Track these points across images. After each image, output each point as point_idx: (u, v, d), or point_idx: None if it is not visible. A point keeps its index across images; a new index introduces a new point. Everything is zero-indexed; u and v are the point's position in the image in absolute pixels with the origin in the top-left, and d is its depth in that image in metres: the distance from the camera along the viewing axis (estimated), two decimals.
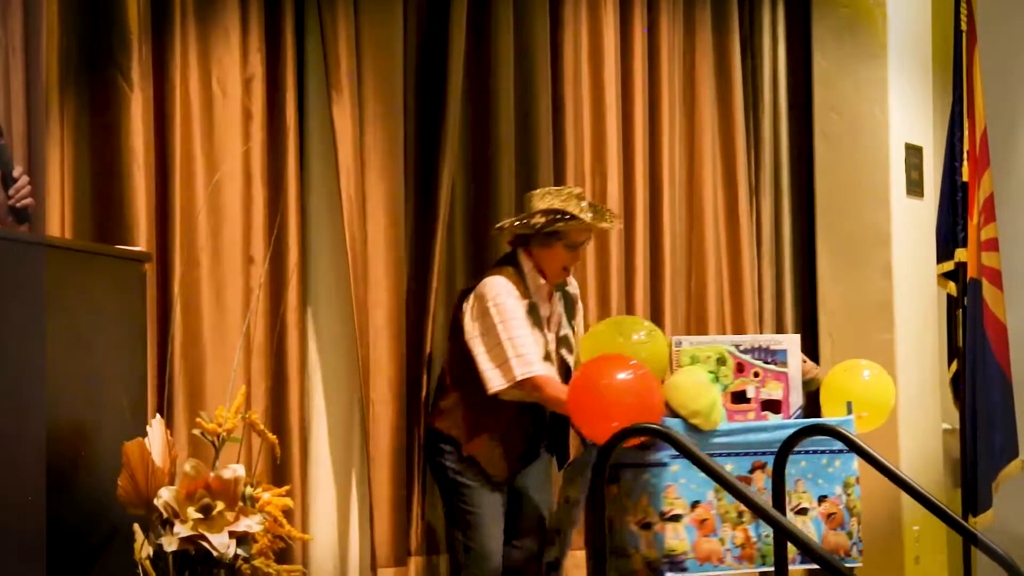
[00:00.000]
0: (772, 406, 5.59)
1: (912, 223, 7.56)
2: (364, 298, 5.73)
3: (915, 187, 7.58)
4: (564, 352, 5.63)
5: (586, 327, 5.85)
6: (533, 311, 5.50)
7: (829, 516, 5.68)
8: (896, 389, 6.94)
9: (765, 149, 7.56)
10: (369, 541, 5.72)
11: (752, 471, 5.52)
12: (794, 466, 5.58)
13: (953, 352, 7.45)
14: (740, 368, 5.57)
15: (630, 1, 6.87)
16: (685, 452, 4.55)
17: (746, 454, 5.51)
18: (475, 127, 6.25)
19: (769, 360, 5.64)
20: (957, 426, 7.45)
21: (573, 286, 5.78)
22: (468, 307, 5.48)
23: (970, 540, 5.20)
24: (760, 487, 5.49)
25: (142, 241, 5.09)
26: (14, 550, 3.88)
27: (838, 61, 7.61)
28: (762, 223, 7.53)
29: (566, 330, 5.67)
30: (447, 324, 5.84)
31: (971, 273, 7.33)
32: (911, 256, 7.53)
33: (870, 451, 5.21)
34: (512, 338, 5.38)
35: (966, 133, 7.40)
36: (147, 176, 5.20)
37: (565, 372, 5.60)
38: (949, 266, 7.40)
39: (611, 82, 6.70)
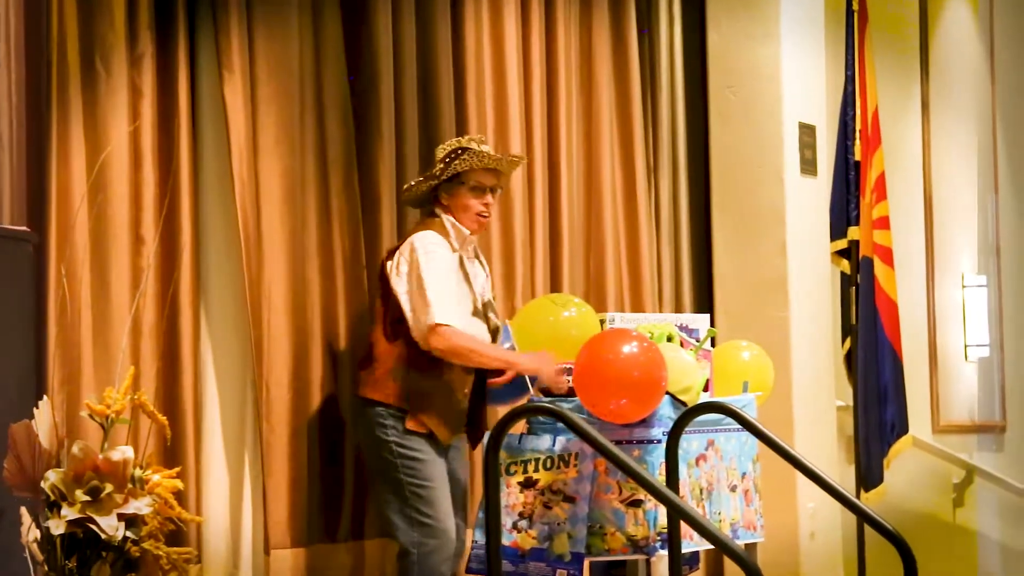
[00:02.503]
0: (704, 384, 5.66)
1: (806, 201, 7.62)
2: (257, 278, 5.68)
3: (808, 166, 7.65)
4: (491, 315, 5.63)
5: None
6: (461, 266, 5.50)
7: (746, 492, 5.77)
8: (790, 366, 7.05)
9: (662, 128, 7.60)
10: (262, 523, 5.69)
11: (707, 448, 5.58)
12: (729, 443, 5.65)
13: (847, 329, 7.52)
14: (683, 346, 5.63)
15: None
16: (579, 432, 4.55)
17: (701, 432, 5.59)
18: (376, 107, 6.21)
19: (692, 339, 5.74)
20: (851, 403, 7.53)
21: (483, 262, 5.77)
22: (394, 264, 5.44)
23: (861, 516, 5.25)
24: (712, 464, 5.59)
25: (5, 220, 5.00)
26: None
27: (733, 40, 7.65)
28: (660, 202, 7.56)
29: (489, 296, 5.66)
30: (366, 301, 5.89)
31: (863, 251, 7.40)
32: (805, 234, 7.59)
33: (763, 429, 5.25)
34: (433, 284, 5.32)
35: (858, 112, 7.46)
36: (16, 157, 5.12)
37: (493, 335, 5.63)
38: (842, 244, 7.46)
39: (511, 60, 6.70)
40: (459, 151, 5.48)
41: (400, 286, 5.39)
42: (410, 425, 5.37)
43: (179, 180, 5.58)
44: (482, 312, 5.57)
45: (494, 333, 5.62)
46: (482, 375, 5.53)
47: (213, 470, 5.69)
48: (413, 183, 5.64)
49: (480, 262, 5.67)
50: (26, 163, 5.19)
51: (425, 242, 5.41)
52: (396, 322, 5.42)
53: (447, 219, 5.50)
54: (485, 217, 5.54)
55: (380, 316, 5.51)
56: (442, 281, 5.35)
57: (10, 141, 5.07)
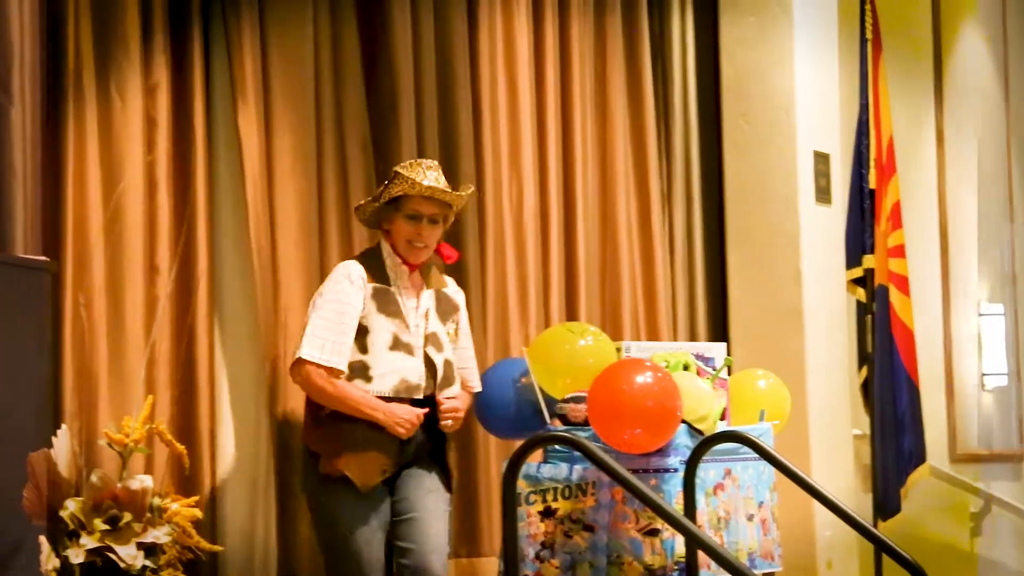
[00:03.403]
0: (722, 413, 5.65)
1: (821, 230, 7.61)
2: (273, 306, 5.70)
3: (823, 194, 7.64)
4: (430, 349, 5.23)
5: (466, 345, 5.53)
6: (381, 296, 5.18)
7: (763, 521, 5.75)
8: (806, 395, 7.03)
9: (677, 157, 7.60)
10: (279, 551, 5.68)
11: (724, 477, 5.56)
12: (746, 472, 5.63)
13: (863, 358, 7.51)
14: (699, 375, 5.63)
15: (542, 9, 6.89)
16: (597, 461, 4.54)
17: (718, 461, 5.56)
18: (396, 133, 6.23)
19: (708, 367, 5.73)
20: (867, 432, 7.51)
21: (454, 289, 5.48)
22: None
23: (878, 546, 5.23)
24: (730, 493, 5.56)
25: (19, 250, 5.00)
26: None
27: (746, 69, 7.65)
28: (674, 231, 7.57)
29: (435, 328, 5.27)
30: None
31: (879, 279, 7.40)
32: (820, 263, 7.58)
33: (780, 458, 5.24)
34: (314, 318, 5.13)
35: (872, 140, 7.47)
36: (29, 188, 5.13)
37: (431, 369, 5.23)
38: (858, 272, 7.46)
39: (524, 93, 6.72)
40: (395, 175, 5.21)
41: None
42: (324, 469, 5.12)
43: (195, 209, 5.60)
44: (413, 346, 5.20)
45: (434, 368, 5.24)
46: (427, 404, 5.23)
47: (230, 498, 5.69)
48: (363, 203, 5.40)
49: (424, 292, 5.31)
50: (42, 193, 5.21)
51: (336, 272, 5.24)
52: None
53: (385, 246, 5.28)
54: (419, 247, 5.21)
55: None
56: (323, 315, 5.12)
57: (24, 171, 5.08)
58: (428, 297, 5.30)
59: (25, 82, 5.10)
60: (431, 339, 5.25)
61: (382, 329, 5.16)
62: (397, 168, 5.24)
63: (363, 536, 5.08)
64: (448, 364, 5.29)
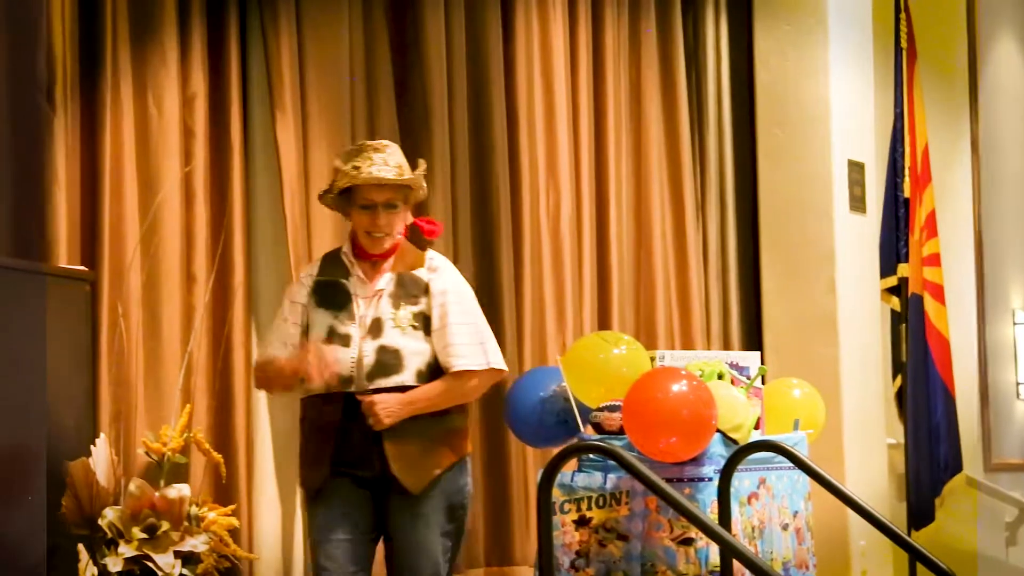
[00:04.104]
0: (756, 422, 5.65)
1: (855, 239, 7.60)
2: None
3: (858, 203, 7.63)
4: (367, 338, 4.74)
5: (444, 324, 4.84)
6: (326, 288, 4.83)
7: (798, 531, 5.75)
8: (840, 404, 7.02)
9: (711, 166, 7.61)
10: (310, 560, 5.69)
11: (759, 486, 5.57)
12: (780, 481, 5.63)
13: (897, 367, 7.49)
14: (733, 384, 5.62)
15: (576, 17, 6.90)
16: (632, 470, 4.54)
17: (753, 470, 5.54)
18: (428, 144, 6.25)
19: (742, 376, 5.72)
20: (902, 440, 7.49)
21: (429, 270, 4.88)
22: None
23: (913, 555, 5.22)
24: (764, 502, 5.56)
25: (63, 260, 5.06)
26: None
27: (781, 77, 7.65)
28: (708, 239, 7.57)
29: (380, 313, 4.76)
30: None
31: (913, 288, 7.38)
32: (854, 271, 7.57)
33: (814, 467, 5.23)
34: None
35: (907, 149, 7.46)
36: (71, 196, 5.18)
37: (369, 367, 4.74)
38: (892, 281, 7.45)
39: (560, 100, 6.74)
40: (337, 174, 4.82)
41: None
42: (303, 486, 4.93)
43: (232, 219, 5.63)
44: (350, 336, 4.76)
45: (364, 355, 4.74)
46: (349, 408, 4.72)
47: (265, 507, 5.71)
48: (320, 194, 4.98)
49: (399, 275, 4.84)
50: (80, 203, 5.26)
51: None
52: None
53: (347, 245, 4.91)
54: (378, 237, 4.79)
55: None
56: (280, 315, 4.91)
57: (67, 180, 5.13)
58: (384, 281, 4.83)
59: (67, 92, 5.16)
60: (372, 326, 4.77)
61: (320, 324, 4.80)
62: (335, 159, 4.88)
63: (326, 551, 4.72)
64: (385, 351, 4.74)
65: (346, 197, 4.80)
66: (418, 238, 4.91)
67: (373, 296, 4.79)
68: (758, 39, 7.74)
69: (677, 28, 7.43)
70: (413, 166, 4.84)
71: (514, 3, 6.64)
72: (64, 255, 5.08)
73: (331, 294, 4.81)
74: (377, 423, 4.64)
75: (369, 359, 4.70)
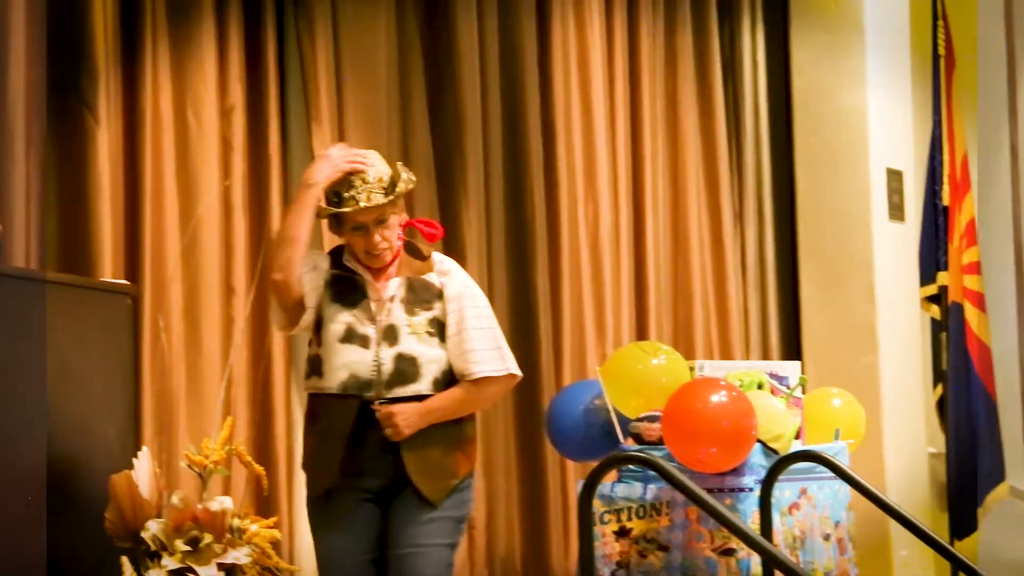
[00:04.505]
0: (796, 432, 5.63)
1: (894, 247, 7.58)
2: None
3: (896, 211, 7.61)
4: (384, 344, 4.60)
5: (461, 330, 4.70)
6: (342, 283, 4.65)
7: (839, 541, 5.73)
8: (881, 413, 6.99)
9: (748, 174, 7.60)
10: None
11: (800, 496, 5.56)
12: (822, 492, 5.62)
13: (938, 375, 7.46)
14: (773, 394, 5.61)
15: (612, 27, 6.90)
16: (673, 481, 4.53)
17: (793, 480, 5.54)
18: (461, 161, 6.25)
19: (782, 386, 5.72)
20: (943, 450, 7.45)
21: (438, 274, 4.75)
22: None
23: (956, 565, 5.19)
24: (805, 513, 5.55)
25: (107, 273, 5.09)
26: None
27: (818, 86, 7.64)
28: (746, 248, 7.56)
29: (395, 320, 4.62)
30: None
31: (953, 296, 7.35)
32: (894, 280, 7.55)
33: (856, 477, 5.21)
34: None
35: (946, 157, 7.43)
36: (114, 209, 5.21)
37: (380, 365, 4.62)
38: (932, 289, 7.41)
39: (598, 109, 6.74)
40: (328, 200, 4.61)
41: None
42: (307, 489, 4.70)
43: (271, 231, 5.64)
44: (369, 338, 4.60)
45: (383, 363, 4.59)
46: (364, 414, 4.58)
47: (306, 519, 5.70)
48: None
49: (410, 280, 4.69)
50: (124, 216, 5.29)
51: None
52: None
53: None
54: (376, 254, 4.62)
55: None
56: None
57: (111, 192, 5.16)
58: (395, 286, 4.68)
59: (111, 105, 5.19)
60: (387, 332, 4.62)
61: (337, 320, 4.61)
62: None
63: (335, 564, 4.62)
64: (402, 358, 4.60)
65: (333, 222, 4.62)
66: (415, 251, 4.77)
67: (385, 301, 4.64)
68: (794, 47, 7.73)
69: (713, 37, 7.42)
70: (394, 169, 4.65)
71: (550, 13, 6.64)
72: (108, 268, 5.11)
73: (347, 290, 4.64)
74: (396, 434, 4.54)
75: (388, 367, 4.57)
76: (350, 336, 4.58)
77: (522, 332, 6.35)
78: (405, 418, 4.54)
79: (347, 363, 4.57)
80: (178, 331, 5.36)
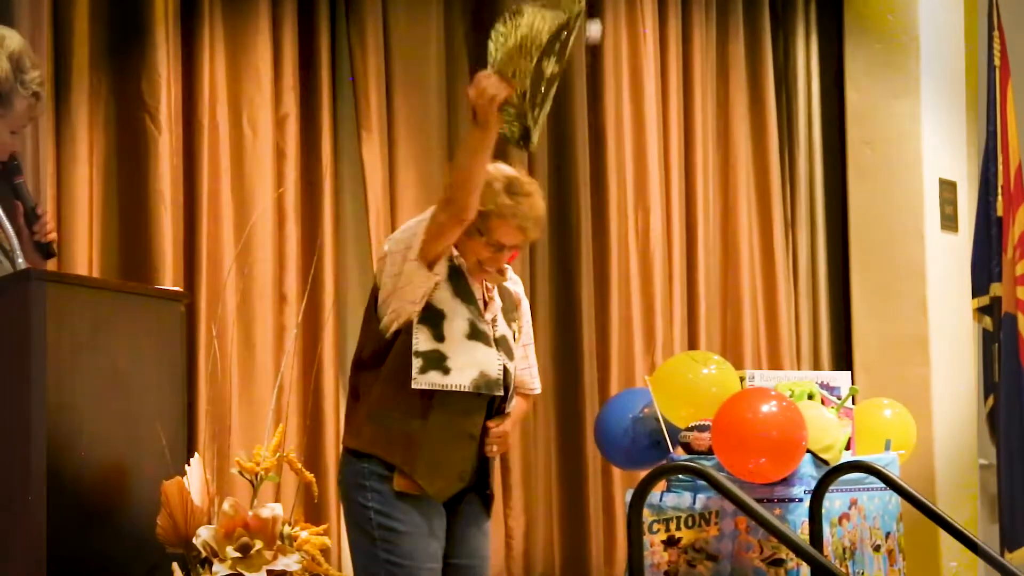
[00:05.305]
0: (847, 443, 5.62)
1: (947, 258, 7.55)
2: None
3: (949, 221, 7.58)
4: (503, 355, 4.42)
5: (528, 343, 4.65)
6: (458, 277, 4.40)
7: (890, 552, 5.72)
8: (932, 424, 6.97)
9: (800, 184, 7.58)
10: None
11: (850, 507, 5.55)
12: (872, 502, 5.61)
13: (990, 387, 7.43)
14: (823, 404, 5.61)
15: (666, 38, 6.90)
16: (723, 491, 4.54)
17: (843, 490, 5.53)
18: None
19: (833, 396, 5.71)
20: (994, 461, 7.42)
21: (514, 282, 4.61)
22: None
23: None
24: (855, 523, 5.53)
25: (168, 281, 5.14)
26: None
27: (871, 96, 7.62)
28: (798, 258, 7.54)
29: (503, 330, 4.48)
30: None
31: (1006, 307, 7.32)
32: (946, 290, 7.52)
33: (907, 487, 5.20)
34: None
35: (1000, 168, 7.40)
36: (174, 217, 5.26)
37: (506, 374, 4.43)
38: (984, 300, 7.39)
39: (650, 118, 6.74)
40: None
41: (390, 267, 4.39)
42: (399, 486, 4.36)
43: (323, 240, 5.67)
44: (489, 336, 4.41)
45: (511, 374, 4.44)
46: (487, 418, 4.44)
47: None
48: None
49: (501, 287, 4.55)
50: (183, 224, 5.34)
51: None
52: (379, 337, 4.44)
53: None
54: (489, 271, 4.43)
55: (366, 333, 4.55)
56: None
57: (171, 199, 5.21)
58: (495, 293, 4.51)
59: (172, 112, 5.25)
60: (501, 343, 4.45)
61: (459, 315, 4.36)
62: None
63: (428, 563, 4.41)
64: (511, 370, 4.47)
65: (483, 221, 4.33)
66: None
67: (490, 303, 4.47)
68: (848, 58, 7.71)
69: (767, 47, 7.42)
70: None
71: (602, 21, 6.63)
72: (169, 276, 5.16)
73: (464, 287, 4.41)
74: (495, 453, 4.46)
75: (508, 377, 4.43)
76: (475, 333, 4.37)
77: (564, 341, 6.36)
78: (509, 440, 4.55)
79: (476, 361, 4.35)
80: (232, 338, 5.40)
